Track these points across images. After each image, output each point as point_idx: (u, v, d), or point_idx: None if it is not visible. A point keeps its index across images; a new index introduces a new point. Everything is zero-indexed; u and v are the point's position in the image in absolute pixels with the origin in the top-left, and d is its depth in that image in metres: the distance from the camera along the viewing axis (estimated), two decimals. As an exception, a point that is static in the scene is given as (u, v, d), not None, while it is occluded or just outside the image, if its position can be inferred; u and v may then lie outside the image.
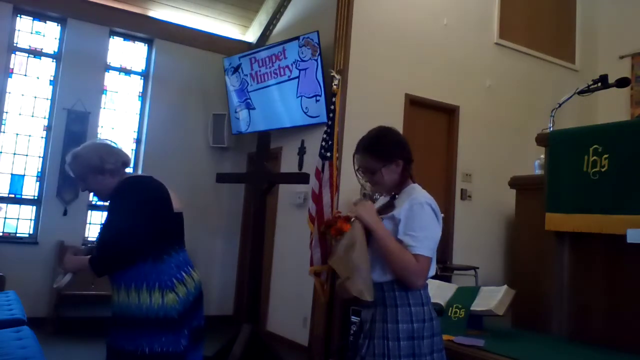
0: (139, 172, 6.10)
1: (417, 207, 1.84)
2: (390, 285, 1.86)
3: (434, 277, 1.98)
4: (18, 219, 5.59)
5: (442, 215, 1.99)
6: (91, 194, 2.31)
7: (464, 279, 4.87)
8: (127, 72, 6.26)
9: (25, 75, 5.73)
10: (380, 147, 1.94)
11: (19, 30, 5.72)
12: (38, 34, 5.82)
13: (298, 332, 4.95)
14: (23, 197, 5.60)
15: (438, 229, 1.88)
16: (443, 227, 1.97)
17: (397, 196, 1.95)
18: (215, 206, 6.44)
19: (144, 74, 6.33)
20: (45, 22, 5.84)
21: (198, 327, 2.25)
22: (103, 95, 6.03)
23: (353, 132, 4.73)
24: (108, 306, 2.22)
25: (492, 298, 2.78)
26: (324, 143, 4.25)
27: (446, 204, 5.34)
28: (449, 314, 2.78)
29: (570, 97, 3.62)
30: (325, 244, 4.12)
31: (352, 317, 4.12)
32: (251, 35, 6.64)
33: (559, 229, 2.86)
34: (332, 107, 4.30)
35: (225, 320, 6.02)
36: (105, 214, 6.02)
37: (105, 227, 2.18)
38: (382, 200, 2.09)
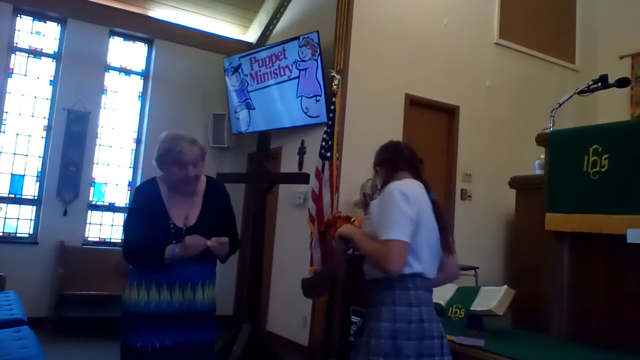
0: (139, 172, 6.12)
1: (386, 196, 1.92)
2: (377, 283, 1.92)
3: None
4: (18, 219, 5.59)
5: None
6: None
7: (464, 279, 4.86)
8: (127, 72, 6.26)
9: (25, 75, 5.73)
10: (377, 152, 2.21)
11: (19, 30, 5.72)
12: (38, 34, 5.82)
13: (298, 332, 4.95)
14: (23, 197, 5.60)
15: (407, 209, 1.85)
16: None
17: (375, 197, 2.07)
18: (215, 206, 6.43)
19: (144, 74, 6.33)
20: (45, 22, 5.84)
21: None
22: (103, 95, 6.03)
23: (353, 132, 4.74)
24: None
25: (492, 298, 2.78)
26: (324, 143, 4.25)
27: (446, 204, 5.33)
28: (449, 314, 2.78)
29: (570, 97, 3.63)
30: (325, 244, 4.12)
31: (352, 317, 4.12)
32: (251, 35, 6.64)
33: (559, 229, 2.86)
34: (332, 107, 4.30)
35: (225, 320, 6.00)
36: (103, 212, 5.99)
37: (227, 217, 2.40)
38: None
